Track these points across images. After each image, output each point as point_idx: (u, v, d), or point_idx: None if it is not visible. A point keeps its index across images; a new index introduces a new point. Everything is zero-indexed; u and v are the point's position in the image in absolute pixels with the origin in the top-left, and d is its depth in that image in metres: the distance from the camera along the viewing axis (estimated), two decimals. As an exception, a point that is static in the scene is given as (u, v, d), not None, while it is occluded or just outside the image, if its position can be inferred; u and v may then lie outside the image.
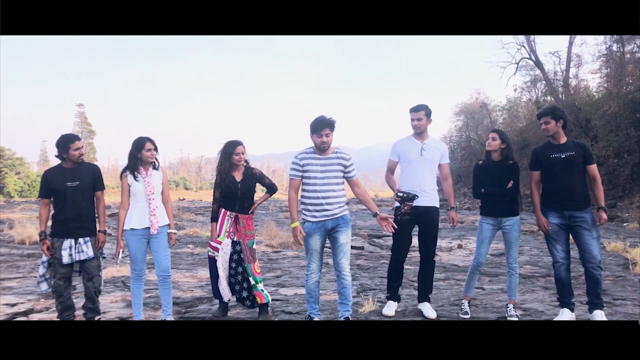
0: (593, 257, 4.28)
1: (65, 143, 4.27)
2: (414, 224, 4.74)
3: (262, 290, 4.72)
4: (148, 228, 4.39)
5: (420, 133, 4.80)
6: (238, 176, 4.73)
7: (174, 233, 4.59)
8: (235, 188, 4.68)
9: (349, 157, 4.35)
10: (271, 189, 4.94)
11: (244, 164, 4.79)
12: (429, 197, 4.72)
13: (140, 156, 4.40)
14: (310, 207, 4.27)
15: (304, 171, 4.26)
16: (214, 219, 4.76)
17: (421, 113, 4.75)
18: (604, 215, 4.31)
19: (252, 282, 4.67)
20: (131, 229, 4.36)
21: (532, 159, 4.60)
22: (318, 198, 4.22)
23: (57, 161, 4.40)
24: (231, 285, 4.74)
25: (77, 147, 4.28)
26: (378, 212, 4.23)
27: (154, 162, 4.50)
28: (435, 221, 4.76)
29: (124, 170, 4.45)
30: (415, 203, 4.57)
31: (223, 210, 4.74)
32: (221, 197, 4.74)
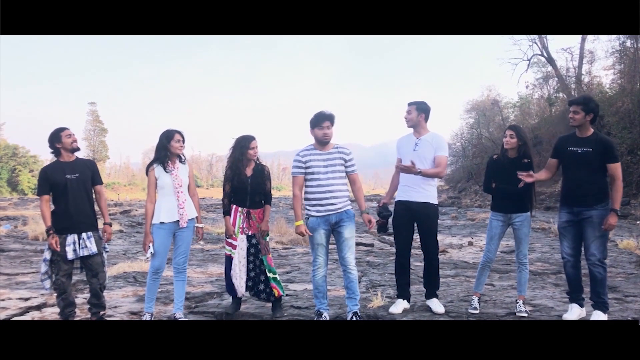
0: (591, 254, 4.22)
1: (56, 133, 4.25)
2: (411, 220, 4.71)
3: (278, 281, 4.75)
4: (177, 221, 4.42)
5: (414, 128, 4.76)
6: (248, 171, 4.72)
7: (201, 227, 4.65)
8: (246, 183, 4.68)
9: (349, 152, 4.46)
10: (268, 198, 4.82)
11: (255, 159, 4.80)
12: (421, 194, 4.63)
13: (169, 147, 4.43)
14: (314, 202, 4.34)
15: (306, 167, 4.35)
16: (227, 212, 4.75)
17: (412, 107, 4.72)
18: (611, 219, 4.13)
19: (270, 274, 4.69)
20: (160, 222, 4.39)
21: (554, 147, 4.54)
22: (323, 192, 4.30)
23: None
24: (251, 280, 4.73)
25: (68, 134, 4.26)
26: (365, 211, 4.37)
27: (181, 155, 4.53)
28: (430, 217, 4.67)
29: (151, 163, 4.47)
30: (410, 199, 4.65)
31: (234, 206, 4.74)
32: (231, 191, 4.76)
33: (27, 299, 5.43)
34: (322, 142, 4.36)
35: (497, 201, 4.68)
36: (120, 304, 5.24)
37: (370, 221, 4.36)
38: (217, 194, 63.57)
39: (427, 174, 4.55)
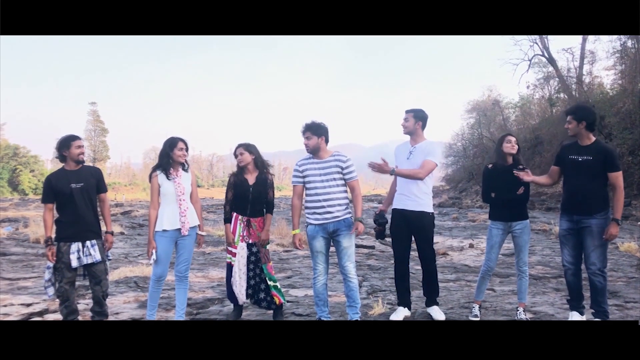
0: (591, 263, 4.22)
1: (67, 141, 4.26)
2: (408, 227, 4.70)
3: (279, 289, 4.78)
4: (179, 229, 4.43)
5: (411, 136, 4.77)
6: (251, 179, 4.74)
7: (202, 235, 4.66)
8: (248, 191, 4.70)
9: (347, 159, 4.41)
10: (269, 206, 4.85)
11: (254, 166, 4.79)
12: (415, 202, 4.62)
13: (172, 155, 4.44)
14: (312, 210, 4.36)
15: (304, 177, 4.39)
16: (227, 219, 4.78)
17: (409, 115, 4.72)
18: (612, 229, 4.10)
19: (270, 282, 4.72)
20: (163, 230, 4.40)
21: (556, 155, 4.57)
22: (320, 201, 4.32)
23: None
24: (252, 288, 4.76)
25: (78, 145, 4.28)
26: (358, 219, 4.31)
27: (184, 163, 4.55)
28: (425, 226, 4.65)
29: (154, 169, 4.48)
30: (405, 207, 4.65)
31: (235, 214, 4.76)
32: (233, 198, 4.77)
33: (29, 305, 5.44)
34: (310, 152, 4.41)
35: (497, 210, 4.68)
36: (122, 310, 5.25)
37: (357, 228, 4.27)
38: (218, 194, 63.57)
39: (401, 174, 4.53)
